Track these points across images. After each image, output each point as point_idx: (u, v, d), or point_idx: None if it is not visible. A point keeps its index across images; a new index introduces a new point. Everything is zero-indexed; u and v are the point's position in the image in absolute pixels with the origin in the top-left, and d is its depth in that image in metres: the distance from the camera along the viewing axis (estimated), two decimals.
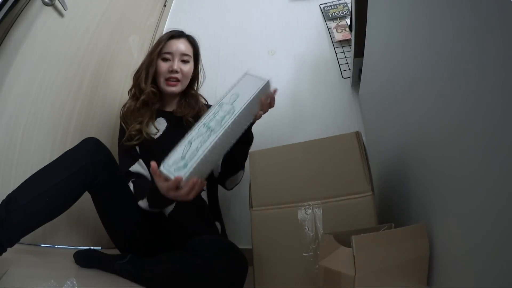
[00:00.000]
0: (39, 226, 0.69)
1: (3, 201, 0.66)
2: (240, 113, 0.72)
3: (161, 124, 0.99)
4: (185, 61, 1.01)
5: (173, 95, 1.03)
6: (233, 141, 0.75)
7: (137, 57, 1.46)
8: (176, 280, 0.70)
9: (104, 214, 0.84)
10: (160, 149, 0.75)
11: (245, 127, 0.79)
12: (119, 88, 1.31)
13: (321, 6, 1.62)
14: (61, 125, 1.01)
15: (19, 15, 0.87)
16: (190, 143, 0.70)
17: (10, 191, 0.68)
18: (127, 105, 1.00)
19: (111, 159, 0.81)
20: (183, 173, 0.65)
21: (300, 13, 1.64)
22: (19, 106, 0.88)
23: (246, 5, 1.76)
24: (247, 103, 0.74)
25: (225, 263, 0.67)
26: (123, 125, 0.98)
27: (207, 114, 0.74)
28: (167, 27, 1.75)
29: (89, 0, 1.15)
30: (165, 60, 0.99)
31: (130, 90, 1.03)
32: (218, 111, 0.73)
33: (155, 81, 1.00)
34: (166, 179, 0.68)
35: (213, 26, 1.72)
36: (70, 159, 0.73)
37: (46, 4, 0.92)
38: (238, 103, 0.74)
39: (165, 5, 1.79)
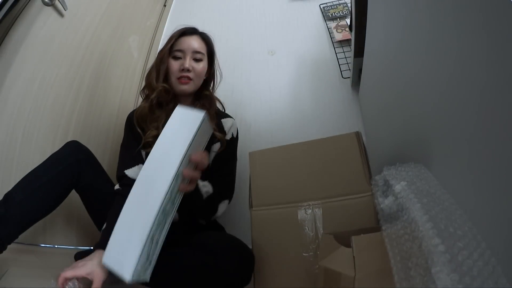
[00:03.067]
0: (36, 221, 0.75)
1: (0, 200, 0.71)
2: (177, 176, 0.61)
3: None
4: (197, 60, 0.95)
5: (185, 94, 0.96)
6: None
7: (137, 57, 1.46)
8: (186, 278, 0.71)
9: (92, 212, 0.88)
10: None
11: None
12: (119, 88, 1.31)
13: (321, 6, 1.62)
14: (61, 125, 1.02)
15: (19, 15, 0.87)
16: (156, 241, 0.61)
17: None
18: (140, 108, 0.93)
19: (92, 158, 0.88)
20: (149, 271, 0.62)
21: (300, 13, 1.64)
22: (19, 106, 0.88)
23: (246, 5, 1.77)
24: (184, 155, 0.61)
25: (235, 259, 0.69)
26: (138, 130, 0.91)
27: (165, 194, 0.60)
28: (167, 27, 1.76)
29: (89, 0, 1.15)
30: (177, 58, 0.94)
31: (143, 90, 0.98)
32: (174, 186, 0.62)
33: (167, 81, 0.95)
34: None
35: (213, 26, 1.71)
36: (56, 160, 0.81)
37: (46, 4, 0.93)
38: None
39: (165, 5, 1.79)
